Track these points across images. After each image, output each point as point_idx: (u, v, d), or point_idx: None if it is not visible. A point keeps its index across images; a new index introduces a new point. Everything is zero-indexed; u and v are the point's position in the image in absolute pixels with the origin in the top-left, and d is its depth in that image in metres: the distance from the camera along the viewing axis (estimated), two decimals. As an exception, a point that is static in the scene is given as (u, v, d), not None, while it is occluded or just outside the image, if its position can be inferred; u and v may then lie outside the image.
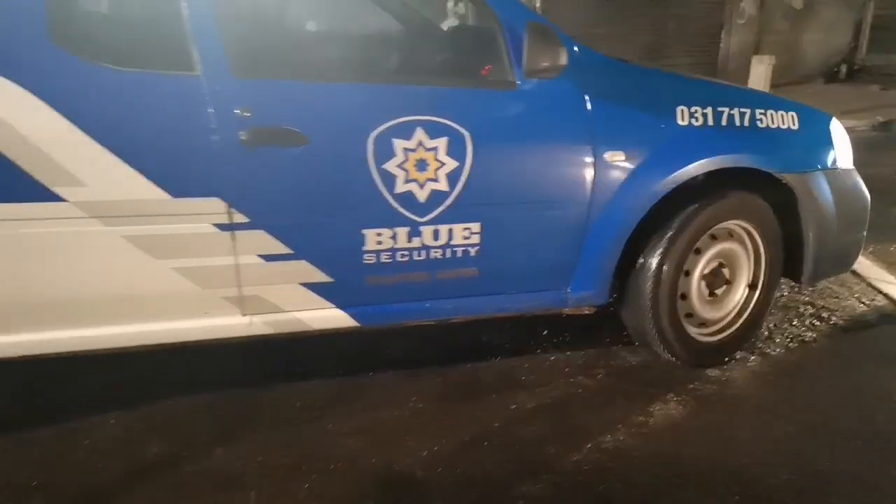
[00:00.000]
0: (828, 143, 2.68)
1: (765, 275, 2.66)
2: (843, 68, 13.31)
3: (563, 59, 2.12)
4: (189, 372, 2.56)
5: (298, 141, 1.96)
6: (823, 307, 3.25)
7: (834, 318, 3.14)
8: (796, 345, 2.89)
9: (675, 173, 2.33)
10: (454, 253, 2.23)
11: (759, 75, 8.75)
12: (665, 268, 2.42)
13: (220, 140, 1.90)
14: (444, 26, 2.60)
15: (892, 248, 4.03)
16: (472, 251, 2.25)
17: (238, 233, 1.99)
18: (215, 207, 1.95)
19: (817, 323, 3.09)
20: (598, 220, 2.33)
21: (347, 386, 2.51)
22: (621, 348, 2.80)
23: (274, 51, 2.42)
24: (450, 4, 2.95)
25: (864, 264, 3.71)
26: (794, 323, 3.09)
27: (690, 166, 2.34)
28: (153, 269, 1.96)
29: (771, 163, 2.49)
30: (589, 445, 2.16)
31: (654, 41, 11.03)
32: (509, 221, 2.27)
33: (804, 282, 2.73)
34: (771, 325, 3.05)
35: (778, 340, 2.92)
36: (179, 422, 2.28)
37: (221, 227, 1.97)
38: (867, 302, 3.33)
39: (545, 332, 2.93)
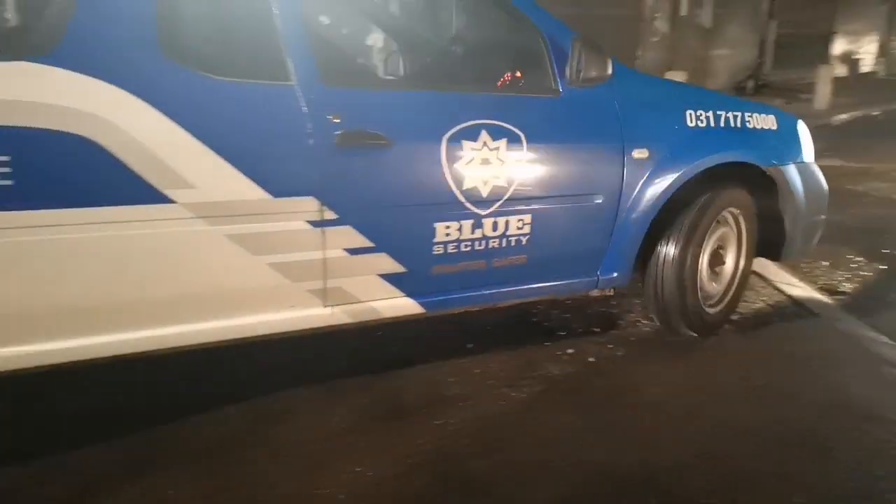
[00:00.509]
0: (798, 140, 3.15)
1: (746, 253, 3.08)
2: (751, 83, 14.06)
3: (610, 70, 2.51)
4: (96, 403, 2.43)
5: (382, 143, 2.15)
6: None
7: (742, 320, 3.28)
8: (707, 346, 3.01)
9: (688, 168, 2.70)
10: (508, 242, 2.48)
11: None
12: (689, 252, 2.83)
13: (314, 144, 2.08)
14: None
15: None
16: (524, 240, 2.50)
17: (327, 229, 2.15)
18: (309, 206, 2.11)
19: (726, 325, 3.23)
20: (626, 210, 2.66)
21: (268, 407, 2.43)
22: (545, 359, 2.84)
23: (358, 62, 2.60)
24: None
25: (770, 268, 3.90)
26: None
27: (700, 161, 2.73)
28: (250, 266, 2.09)
29: (759, 158, 2.90)
30: (517, 459, 2.17)
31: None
32: (554, 213, 2.54)
33: (782, 258, 3.17)
34: (642, 320, 3.15)
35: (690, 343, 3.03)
36: (83, 459, 2.14)
37: (314, 223, 2.13)
38: (773, 304, 3.50)
39: (470, 346, 2.94)
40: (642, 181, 2.65)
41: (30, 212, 1.78)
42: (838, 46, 17.83)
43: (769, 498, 2.00)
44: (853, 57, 18.16)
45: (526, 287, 2.63)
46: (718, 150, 2.80)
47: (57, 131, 1.77)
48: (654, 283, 2.90)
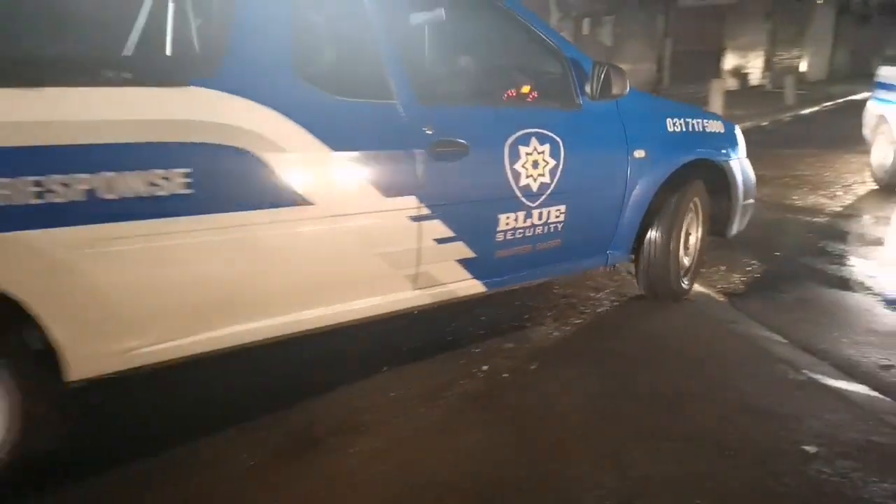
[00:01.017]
0: (737, 140, 3.76)
1: (703, 233, 3.74)
2: (651, 97, 14.74)
3: (628, 88, 3.04)
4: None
5: (462, 150, 2.60)
6: (616, 316, 3.51)
7: (642, 324, 3.41)
8: (615, 352, 3.10)
9: (672, 165, 3.33)
10: (548, 229, 2.98)
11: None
12: (673, 234, 3.49)
13: (414, 151, 2.48)
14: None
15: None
16: (559, 227, 3.01)
17: (423, 223, 2.56)
18: (411, 203, 2.50)
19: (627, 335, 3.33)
20: (629, 199, 3.23)
21: (169, 448, 2.30)
22: (461, 377, 2.83)
23: (444, 84, 3.11)
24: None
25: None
26: (574, 321, 3.31)
27: (680, 160, 3.36)
28: (362, 256, 2.46)
29: (716, 155, 3.58)
30: (430, 481, 2.14)
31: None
32: (581, 203, 3.06)
33: (728, 234, 3.86)
34: (554, 332, 3.25)
35: (565, 346, 3.11)
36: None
37: (413, 218, 2.53)
38: (672, 307, 3.65)
39: (385, 369, 2.90)
40: (641, 176, 3.23)
41: (207, 215, 2.09)
42: (729, 61, 19.00)
43: (672, 501, 2.05)
44: (742, 71, 19.40)
45: (559, 265, 3.20)
46: (691, 150, 3.44)
47: (222, 145, 2.09)
48: (646, 260, 3.52)
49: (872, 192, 6.79)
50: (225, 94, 2.10)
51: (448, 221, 2.63)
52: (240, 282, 2.23)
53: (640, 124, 3.23)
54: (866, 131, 7.22)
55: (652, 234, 3.48)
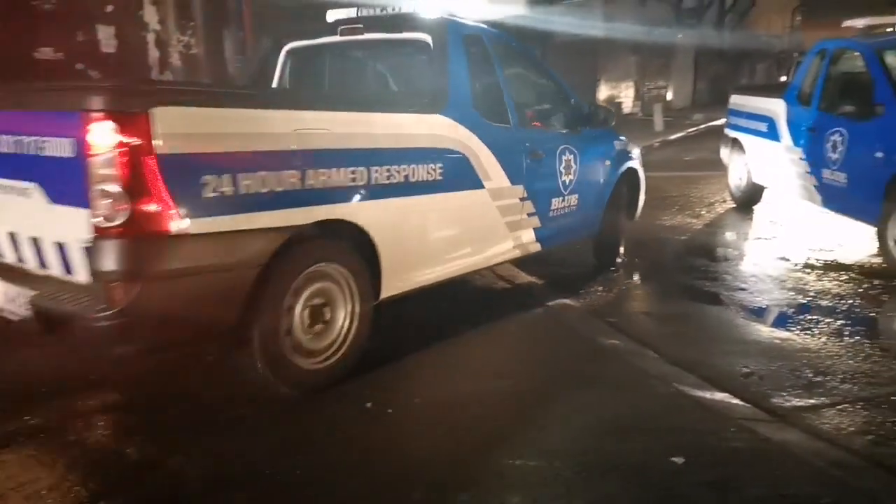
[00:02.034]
0: (635, 151, 5.36)
1: (635, 212, 5.57)
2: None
3: (614, 121, 5.08)
4: None
5: (541, 157, 4.11)
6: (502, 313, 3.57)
7: (514, 342, 3.47)
8: (494, 371, 3.12)
9: (621, 170, 5.04)
10: (570, 209, 4.49)
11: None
12: (623, 212, 5.26)
13: (522, 156, 3.95)
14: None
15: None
16: (575, 209, 4.53)
17: (524, 202, 3.99)
18: (520, 190, 3.93)
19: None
20: (608, 191, 4.92)
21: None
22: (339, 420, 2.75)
23: (525, 115, 4.30)
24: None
25: (546, 289, 4.20)
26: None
27: (625, 166, 5.10)
28: (499, 222, 3.84)
29: (634, 163, 5.26)
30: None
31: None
32: (587, 194, 4.64)
33: (635, 218, 5.46)
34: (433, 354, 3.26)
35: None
36: None
37: (521, 199, 3.96)
38: (547, 325, 3.75)
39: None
40: (610, 177, 4.93)
41: (428, 195, 3.32)
42: (603, 92, 20.15)
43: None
44: (615, 100, 20.61)
45: (572, 234, 4.73)
46: (627, 159, 5.13)
47: (446, 149, 3.43)
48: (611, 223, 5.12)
49: (731, 210, 7.35)
50: (450, 120, 3.47)
51: (533, 201, 4.06)
52: (461, 232, 3.64)
53: (606, 141, 4.99)
54: (724, 154, 7.83)
55: (613, 213, 5.05)
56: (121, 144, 2.22)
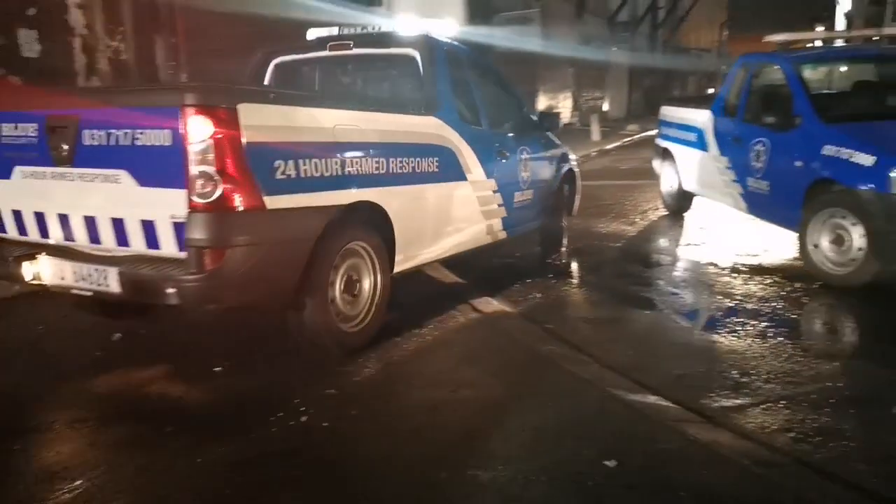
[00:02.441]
0: (571, 155, 6.27)
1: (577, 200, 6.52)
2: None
3: (559, 127, 6.15)
4: None
5: (506, 156, 4.86)
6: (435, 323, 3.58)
7: (457, 353, 3.48)
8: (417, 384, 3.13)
9: (564, 169, 6.00)
10: (528, 202, 5.21)
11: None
12: (564, 198, 6.18)
13: (494, 153, 4.71)
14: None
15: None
16: (530, 202, 5.26)
17: (496, 194, 4.63)
18: (493, 184, 4.61)
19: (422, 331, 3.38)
20: (554, 187, 5.78)
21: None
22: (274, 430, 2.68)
23: (494, 119, 4.94)
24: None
25: (482, 302, 4.23)
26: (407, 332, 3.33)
27: (567, 167, 6.07)
28: (477, 210, 4.48)
29: (573, 164, 6.22)
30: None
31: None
32: (540, 189, 5.41)
33: (574, 213, 6.43)
34: (373, 372, 3.24)
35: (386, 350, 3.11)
36: None
37: (493, 191, 4.62)
38: (485, 335, 3.77)
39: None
40: (556, 175, 5.83)
41: (429, 184, 3.94)
42: (542, 102, 20.51)
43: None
44: (554, 110, 21.03)
45: (529, 225, 5.41)
46: (567, 162, 6.11)
47: (439, 146, 4.04)
48: (557, 214, 6.02)
49: (663, 217, 7.58)
50: (441, 122, 4.08)
51: (502, 194, 4.71)
52: (451, 218, 4.21)
53: (552, 147, 5.87)
54: (656, 164, 8.08)
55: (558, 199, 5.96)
56: (215, 134, 2.68)
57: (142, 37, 8.86)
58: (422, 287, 4.75)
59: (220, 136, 2.69)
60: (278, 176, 2.91)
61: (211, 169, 2.69)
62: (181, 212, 2.75)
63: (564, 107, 21.85)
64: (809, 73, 5.55)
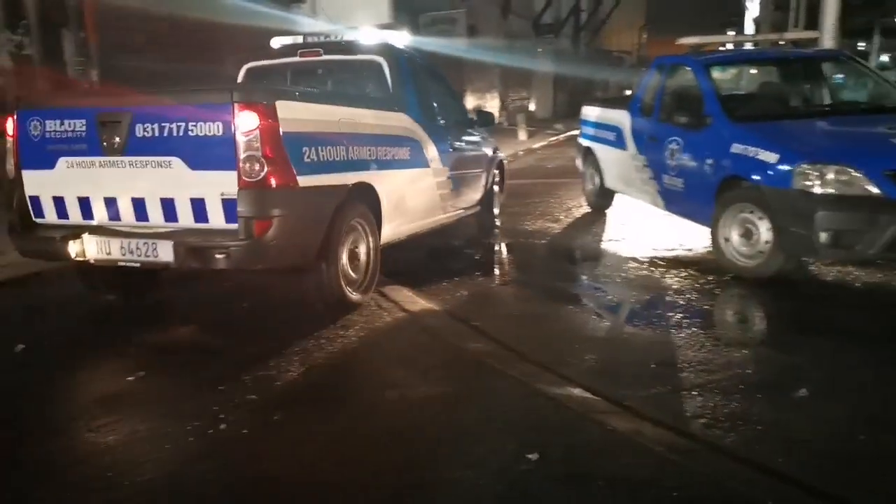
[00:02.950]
0: (499, 148, 7.40)
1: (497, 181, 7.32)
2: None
3: (495, 123, 8.64)
4: None
5: (458, 150, 5.90)
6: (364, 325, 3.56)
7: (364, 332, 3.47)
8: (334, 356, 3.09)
9: (497, 159, 7.16)
10: (473, 187, 6.28)
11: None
12: (496, 192, 7.25)
13: (450, 147, 5.65)
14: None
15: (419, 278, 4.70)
16: (475, 186, 6.35)
17: (448, 179, 5.51)
18: (447, 171, 5.48)
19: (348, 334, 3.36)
20: (490, 174, 6.79)
21: None
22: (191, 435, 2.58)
23: (446, 117, 6.04)
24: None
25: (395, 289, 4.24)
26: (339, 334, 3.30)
27: (498, 157, 7.29)
28: (437, 194, 5.32)
29: (502, 155, 7.40)
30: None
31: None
32: (480, 175, 6.47)
33: (502, 196, 7.52)
34: (298, 376, 3.20)
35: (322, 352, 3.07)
36: None
37: (447, 177, 5.51)
38: (395, 319, 3.77)
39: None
40: (491, 164, 6.73)
41: (403, 170, 4.71)
42: (470, 102, 20.69)
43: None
44: (483, 110, 21.27)
45: (474, 208, 6.39)
46: (498, 153, 7.19)
47: (405, 137, 4.81)
48: (488, 203, 6.91)
49: (587, 214, 7.77)
50: (409, 118, 4.88)
51: (452, 180, 5.54)
52: (419, 199, 4.98)
53: (488, 140, 6.80)
54: (578, 162, 8.27)
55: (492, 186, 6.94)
56: (260, 125, 3.31)
57: (47, 30, 8.39)
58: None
59: (263, 127, 3.31)
60: (306, 159, 3.58)
61: (257, 153, 3.30)
62: (231, 189, 3.33)
63: (492, 107, 22.10)
64: (719, 75, 5.80)
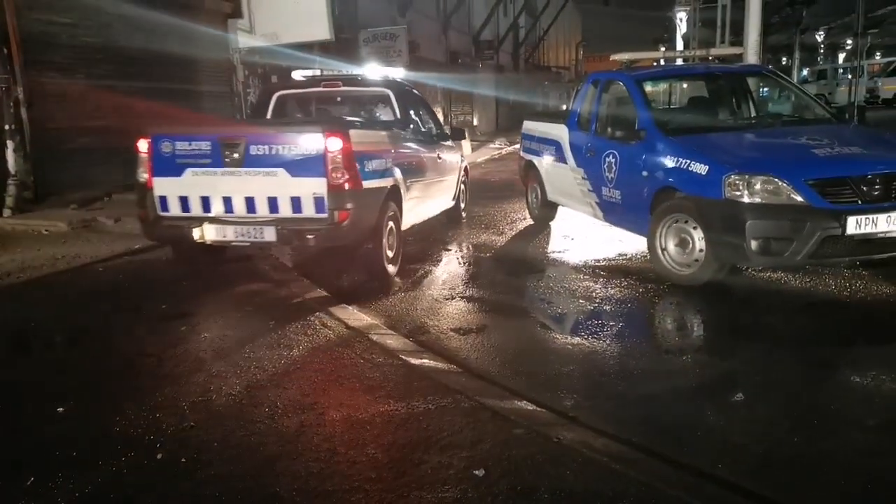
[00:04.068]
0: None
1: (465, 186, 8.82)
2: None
3: (467, 136, 11.83)
4: None
5: (441, 159, 7.30)
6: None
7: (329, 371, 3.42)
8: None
9: (463, 164, 8.50)
10: (444, 190, 7.41)
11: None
12: (465, 191, 8.69)
13: (435, 157, 7.08)
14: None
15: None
16: (451, 187, 7.78)
17: (438, 182, 7.09)
18: (436, 176, 7.00)
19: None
20: (460, 176, 8.14)
21: None
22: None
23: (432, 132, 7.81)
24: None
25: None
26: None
27: (464, 162, 8.59)
28: (434, 193, 6.92)
29: (465, 161, 8.80)
30: None
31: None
32: (454, 179, 7.91)
33: (467, 193, 8.92)
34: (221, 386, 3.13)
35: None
36: None
37: (437, 181, 7.05)
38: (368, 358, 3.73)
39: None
40: (460, 168, 8.08)
41: (415, 175, 6.22)
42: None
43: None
44: (456, 126, 21.39)
45: (450, 205, 7.75)
46: (464, 159, 8.44)
47: (412, 150, 6.47)
48: (458, 199, 8.12)
49: (530, 226, 7.88)
50: (413, 136, 6.59)
51: (441, 184, 6.98)
52: (424, 197, 6.43)
53: (458, 149, 7.87)
54: (521, 176, 8.39)
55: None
56: (342, 147, 4.68)
57: (-34, 46, 8.01)
58: (292, 301, 4.62)
59: (344, 148, 4.70)
60: (366, 170, 4.96)
61: (340, 166, 4.68)
62: (321, 190, 4.70)
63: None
64: (651, 89, 5.98)
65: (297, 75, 7.32)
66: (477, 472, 2.43)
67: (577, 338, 4.08)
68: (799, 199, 4.36)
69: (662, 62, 7.96)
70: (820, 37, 37.52)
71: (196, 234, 4.90)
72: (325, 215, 4.71)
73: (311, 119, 6.69)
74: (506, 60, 31.34)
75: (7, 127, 8.08)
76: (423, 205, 6.47)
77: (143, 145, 5.00)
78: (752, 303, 4.77)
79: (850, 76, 22.19)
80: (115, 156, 9.70)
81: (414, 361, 3.59)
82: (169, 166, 4.92)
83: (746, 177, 4.47)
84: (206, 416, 2.98)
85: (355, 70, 7.81)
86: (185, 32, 11.27)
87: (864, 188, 4.38)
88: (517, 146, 9.45)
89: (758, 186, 4.44)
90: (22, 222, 7.68)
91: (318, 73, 7.23)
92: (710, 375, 3.52)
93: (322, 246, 5.11)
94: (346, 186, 4.68)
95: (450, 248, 6.74)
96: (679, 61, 8.58)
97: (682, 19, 20.72)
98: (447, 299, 5.02)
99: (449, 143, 7.75)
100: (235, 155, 4.76)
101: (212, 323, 4.33)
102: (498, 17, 29.23)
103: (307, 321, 4.23)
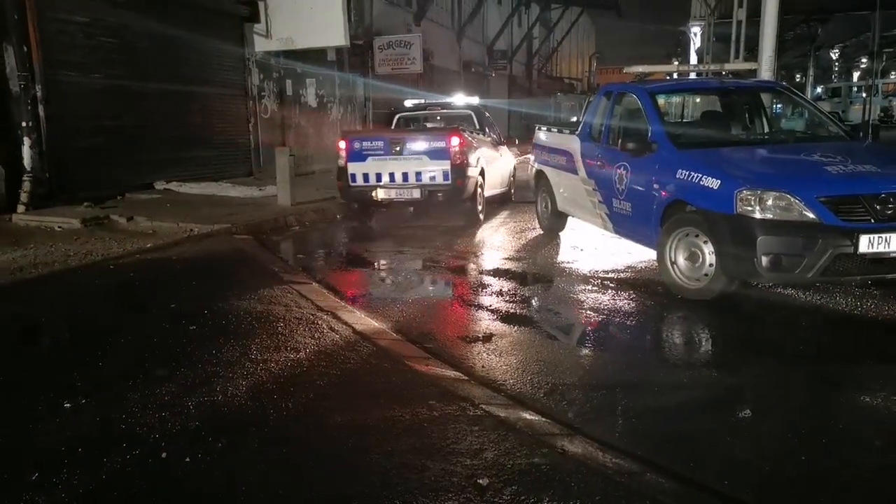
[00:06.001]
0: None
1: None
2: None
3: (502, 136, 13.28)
4: None
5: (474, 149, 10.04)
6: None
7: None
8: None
9: (514, 160, 11.84)
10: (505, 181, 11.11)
11: (283, 164, 9.49)
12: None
13: (500, 157, 10.82)
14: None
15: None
16: (507, 181, 11.40)
17: (505, 168, 10.96)
18: (504, 165, 10.87)
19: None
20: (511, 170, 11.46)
21: None
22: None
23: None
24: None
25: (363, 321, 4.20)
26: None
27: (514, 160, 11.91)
28: (501, 176, 10.46)
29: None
30: None
31: (182, 134, 11.01)
32: (509, 170, 11.48)
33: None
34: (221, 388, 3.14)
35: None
36: None
37: (503, 167, 10.82)
38: (369, 362, 3.73)
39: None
40: (512, 165, 11.59)
41: (493, 163, 10.05)
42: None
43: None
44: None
45: (503, 188, 10.76)
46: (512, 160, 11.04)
47: (490, 147, 10.11)
48: (511, 183, 11.33)
49: (539, 236, 7.87)
50: (489, 139, 10.24)
51: (505, 170, 10.71)
52: (497, 177, 10.07)
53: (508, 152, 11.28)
54: (531, 185, 8.39)
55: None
56: (460, 143, 8.15)
57: (-13, 44, 8.12)
58: (301, 304, 4.64)
59: (461, 143, 8.09)
60: (469, 157, 8.25)
61: (458, 153, 8.03)
62: (448, 168, 8.01)
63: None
64: (664, 102, 5.98)
65: (409, 103, 10.78)
66: (481, 481, 2.43)
67: (584, 349, 4.06)
68: (811, 215, 4.34)
69: (676, 76, 7.95)
70: (835, 55, 37.41)
71: (375, 195, 8.25)
72: (448, 182, 8.03)
73: (442, 127, 9.59)
74: (519, 71, 31.41)
75: (24, 124, 8.17)
76: (493, 182, 9.46)
77: (342, 144, 8.41)
78: (762, 319, 4.74)
79: (864, 94, 22.11)
80: (129, 156, 9.81)
81: (419, 368, 3.59)
82: (358, 156, 8.27)
83: (759, 192, 4.45)
84: (211, 416, 2.99)
85: (446, 98, 11.57)
86: (202, 35, 11.38)
87: (878, 207, 4.35)
88: (528, 155, 9.48)
89: (770, 202, 4.42)
90: (36, 218, 7.76)
91: (422, 101, 10.70)
92: (718, 390, 3.49)
93: (445, 199, 8.19)
94: (463, 164, 8.05)
95: (458, 256, 6.73)
96: (692, 75, 8.58)
97: (696, 34, 20.70)
98: (454, 307, 5.02)
99: (505, 147, 10.79)
100: (398, 148, 8.14)
101: (220, 323, 4.34)
102: (512, 27, 29.35)
103: (314, 325, 4.24)
